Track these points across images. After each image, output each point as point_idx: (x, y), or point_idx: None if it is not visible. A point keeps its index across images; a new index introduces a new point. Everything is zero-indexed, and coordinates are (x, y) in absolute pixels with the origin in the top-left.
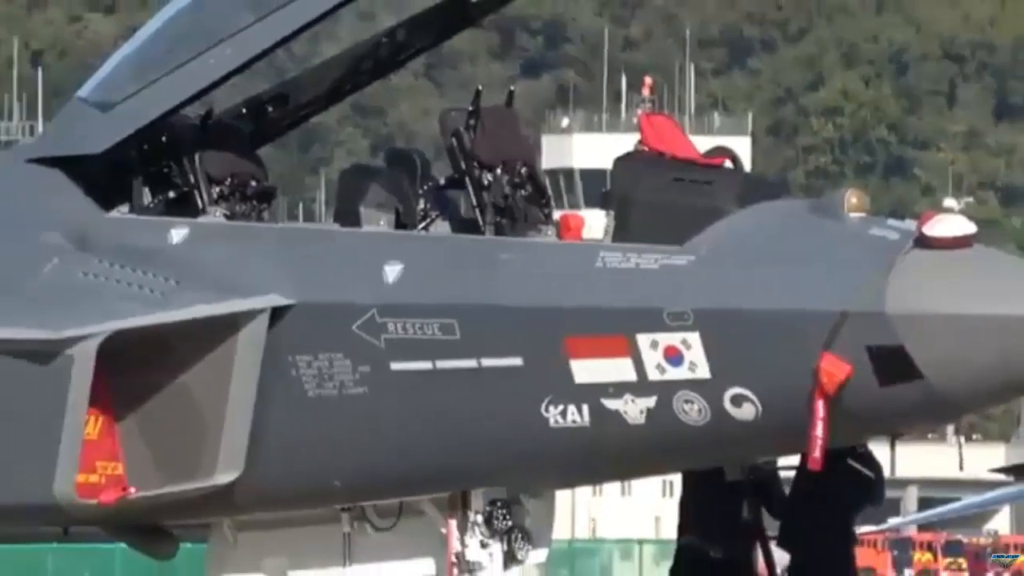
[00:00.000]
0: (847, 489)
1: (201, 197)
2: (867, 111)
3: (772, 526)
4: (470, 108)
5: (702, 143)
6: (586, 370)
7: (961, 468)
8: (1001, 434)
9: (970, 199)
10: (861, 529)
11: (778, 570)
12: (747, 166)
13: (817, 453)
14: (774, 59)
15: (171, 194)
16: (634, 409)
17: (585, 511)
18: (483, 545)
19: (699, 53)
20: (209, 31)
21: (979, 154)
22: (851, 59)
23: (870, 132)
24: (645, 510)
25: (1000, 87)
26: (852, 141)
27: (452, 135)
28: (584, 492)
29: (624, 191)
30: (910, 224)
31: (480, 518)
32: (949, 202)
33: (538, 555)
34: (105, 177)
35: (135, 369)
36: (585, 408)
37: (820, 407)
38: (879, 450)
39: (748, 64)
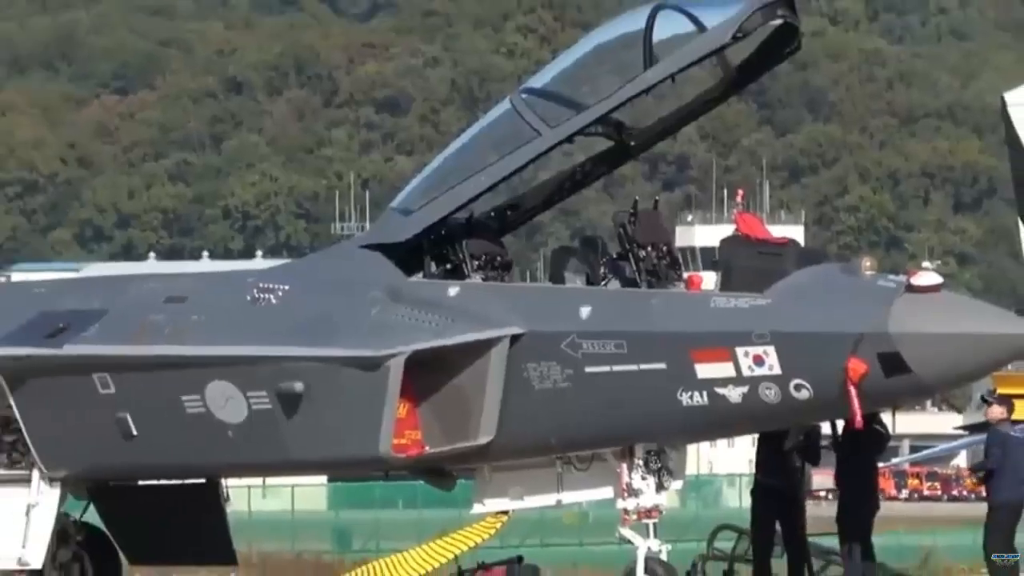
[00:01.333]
0: (871, 441)
1: (466, 268)
2: (875, 209)
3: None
4: (631, 211)
5: (773, 230)
6: (704, 370)
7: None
8: (961, 406)
9: (938, 262)
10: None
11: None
12: (801, 243)
13: (859, 419)
14: (817, 178)
15: (447, 266)
16: (734, 394)
17: (705, 456)
18: (643, 478)
19: (771, 174)
20: (468, 167)
21: (944, 234)
22: (865, 177)
23: (877, 222)
24: (743, 456)
25: (956, 192)
26: (866, 228)
27: (620, 227)
28: (704, 445)
29: (726, 260)
30: (902, 278)
31: (640, 462)
32: (926, 264)
33: (676, 484)
34: (407, 256)
35: (428, 374)
36: (704, 394)
37: (851, 391)
38: (885, 416)
39: (801, 180)
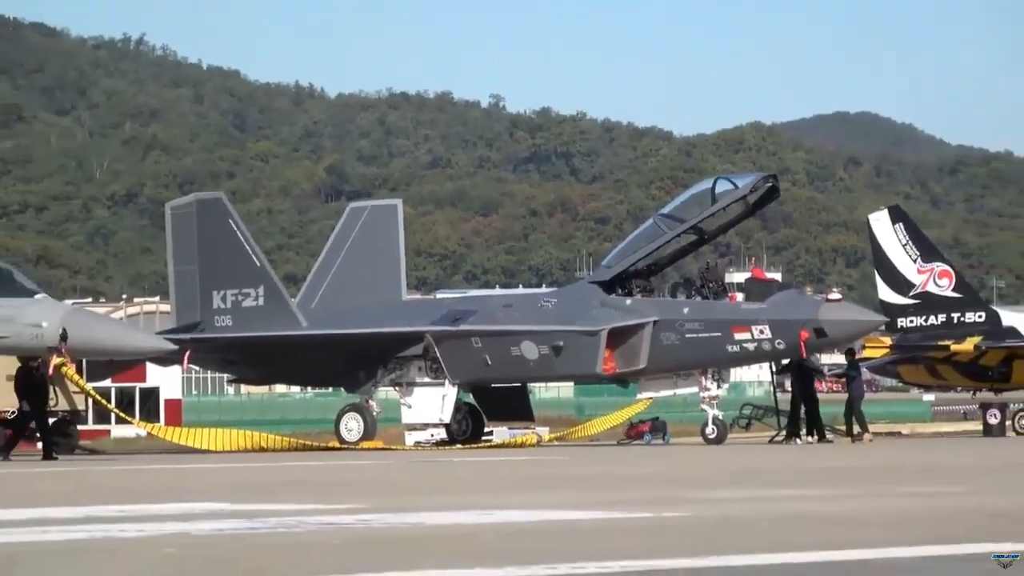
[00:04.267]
0: (812, 369)
1: (634, 291)
2: (813, 266)
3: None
4: (706, 266)
5: (768, 274)
6: (738, 335)
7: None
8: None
9: (840, 289)
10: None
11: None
12: (780, 280)
13: (803, 355)
14: (787, 252)
15: (626, 290)
16: (751, 346)
17: (738, 373)
18: (710, 382)
19: (767, 250)
20: (635, 248)
21: (842, 276)
22: (808, 251)
23: (815, 272)
24: (754, 372)
25: (847, 258)
26: (807, 275)
27: (701, 273)
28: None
29: (747, 287)
30: (823, 296)
31: (710, 375)
32: (834, 291)
33: (726, 385)
34: (609, 286)
35: (618, 336)
36: (738, 347)
37: (802, 345)
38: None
39: (780, 253)
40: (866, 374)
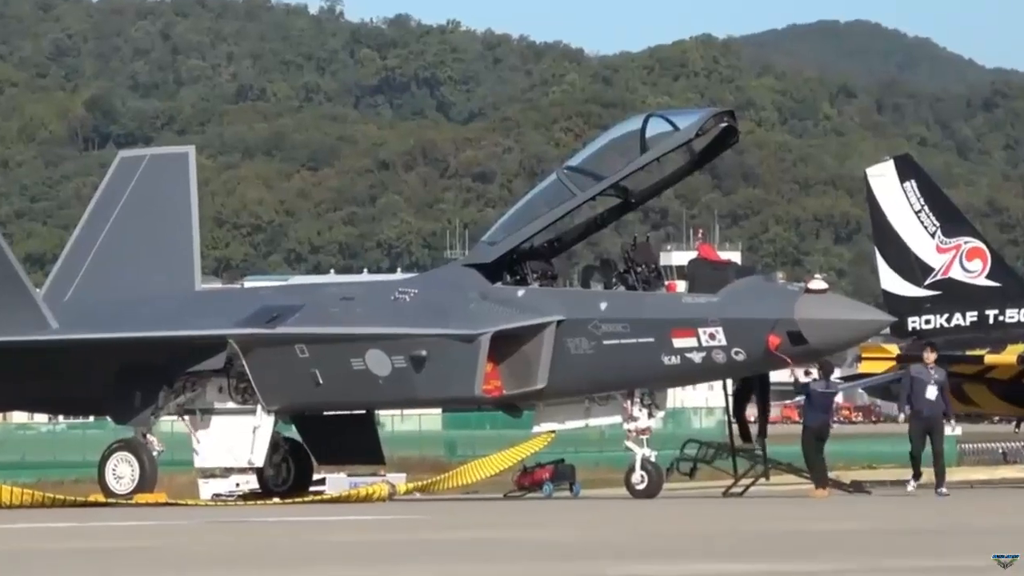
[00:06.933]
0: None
1: (529, 278)
2: (785, 241)
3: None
4: (632, 242)
5: (721, 255)
6: (678, 342)
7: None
8: (838, 364)
9: (824, 275)
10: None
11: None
12: (739, 263)
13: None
14: (749, 222)
15: (517, 277)
16: (697, 357)
17: (678, 395)
18: (639, 409)
19: (720, 220)
20: (530, 215)
21: (828, 257)
22: (778, 221)
23: (786, 250)
24: (701, 395)
25: (836, 231)
26: (779, 253)
27: (625, 253)
28: (678, 388)
29: (692, 273)
30: (802, 284)
31: (638, 399)
32: (817, 276)
33: (660, 413)
34: (492, 271)
35: (505, 344)
36: (678, 357)
37: (772, 355)
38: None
39: (739, 223)
40: (856, 398)
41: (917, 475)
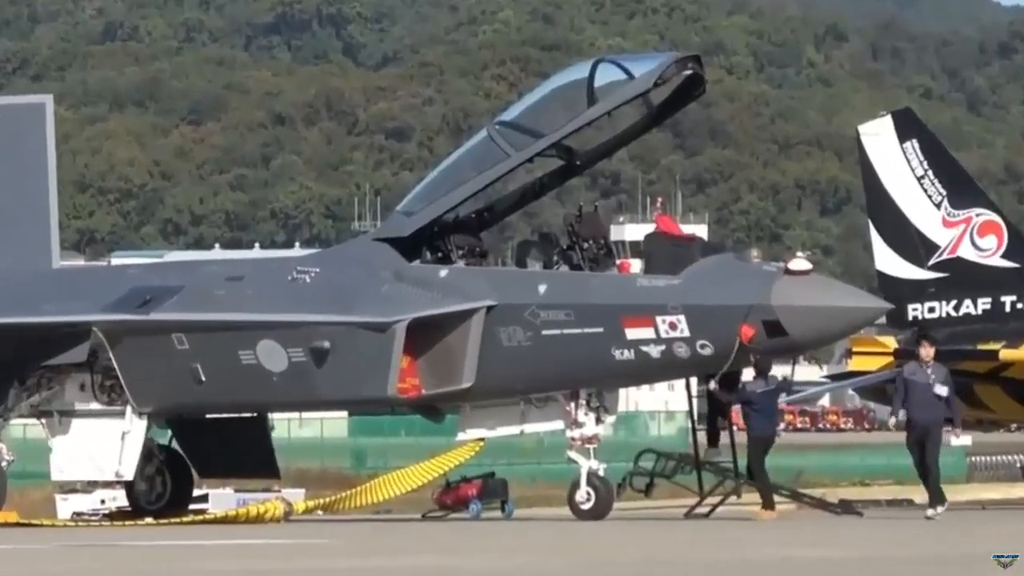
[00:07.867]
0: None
1: (453, 256)
2: (761, 212)
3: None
4: (577, 213)
5: (684, 228)
6: (632, 333)
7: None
8: (824, 360)
9: (808, 252)
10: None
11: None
12: (705, 238)
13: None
14: (717, 189)
15: (439, 254)
16: (655, 351)
17: (631, 397)
18: (585, 414)
19: (683, 186)
20: (455, 180)
21: (812, 232)
22: (753, 188)
23: (762, 222)
24: (660, 396)
25: (822, 200)
26: (754, 227)
27: (569, 225)
28: (632, 388)
29: (649, 250)
30: (782, 264)
31: (584, 401)
32: (799, 254)
33: (610, 418)
34: (408, 247)
35: (424, 335)
36: (632, 351)
37: (743, 348)
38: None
39: (705, 191)
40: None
41: (934, 499)
